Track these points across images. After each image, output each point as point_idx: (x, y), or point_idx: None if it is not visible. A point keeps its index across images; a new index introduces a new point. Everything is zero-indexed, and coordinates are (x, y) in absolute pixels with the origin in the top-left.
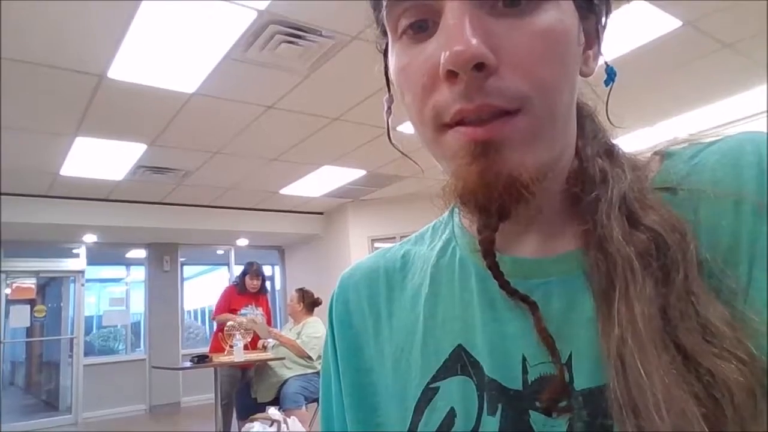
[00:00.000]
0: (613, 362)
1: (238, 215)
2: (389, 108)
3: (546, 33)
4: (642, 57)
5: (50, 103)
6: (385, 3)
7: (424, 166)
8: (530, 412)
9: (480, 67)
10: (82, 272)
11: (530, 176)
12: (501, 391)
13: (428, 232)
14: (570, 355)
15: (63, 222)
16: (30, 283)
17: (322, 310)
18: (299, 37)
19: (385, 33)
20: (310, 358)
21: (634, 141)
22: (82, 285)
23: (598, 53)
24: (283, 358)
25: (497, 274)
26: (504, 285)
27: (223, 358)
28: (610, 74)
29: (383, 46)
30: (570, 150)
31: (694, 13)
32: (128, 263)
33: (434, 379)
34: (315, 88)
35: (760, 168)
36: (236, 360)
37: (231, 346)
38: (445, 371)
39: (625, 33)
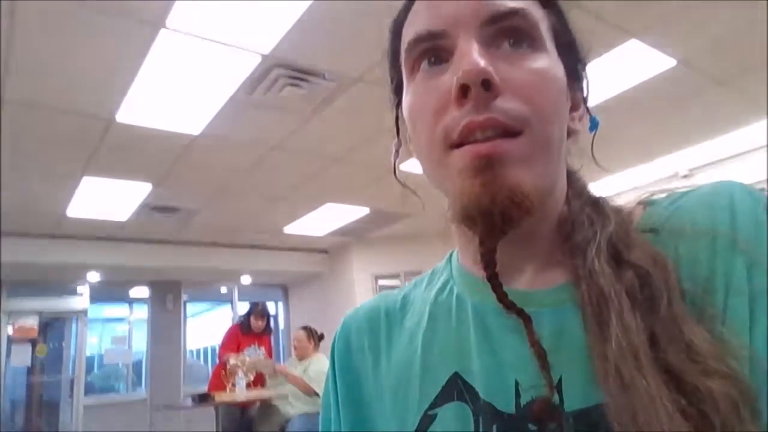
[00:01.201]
0: (612, 380)
1: (242, 253)
2: (397, 151)
3: (542, 72)
4: (638, 96)
5: (60, 147)
6: (404, 47)
7: (426, 202)
8: None
9: (487, 85)
10: (84, 311)
11: (530, 190)
12: (495, 414)
13: (426, 276)
14: (560, 379)
15: (68, 261)
16: (32, 322)
17: (326, 346)
18: (303, 80)
19: (398, 90)
20: (316, 394)
21: (631, 178)
22: (85, 324)
23: (584, 116)
24: (286, 396)
25: (496, 285)
26: (502, 297)
27: (225, 397)
28: (593, 122)
29: (395, 102)
30: (561, 194)
31: (688, 51)
32: (131, 301)
33: (432, 406)
34: (318, 129)
35: (731, 210)
36: (239, 399)
37: (234, 385)
38: (442, 398)
39: (620, 73)
